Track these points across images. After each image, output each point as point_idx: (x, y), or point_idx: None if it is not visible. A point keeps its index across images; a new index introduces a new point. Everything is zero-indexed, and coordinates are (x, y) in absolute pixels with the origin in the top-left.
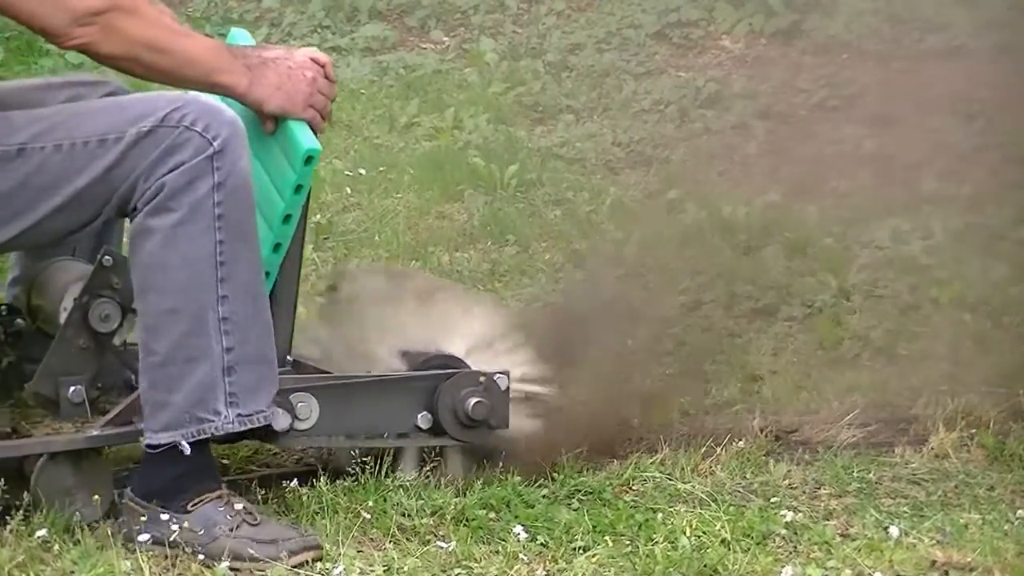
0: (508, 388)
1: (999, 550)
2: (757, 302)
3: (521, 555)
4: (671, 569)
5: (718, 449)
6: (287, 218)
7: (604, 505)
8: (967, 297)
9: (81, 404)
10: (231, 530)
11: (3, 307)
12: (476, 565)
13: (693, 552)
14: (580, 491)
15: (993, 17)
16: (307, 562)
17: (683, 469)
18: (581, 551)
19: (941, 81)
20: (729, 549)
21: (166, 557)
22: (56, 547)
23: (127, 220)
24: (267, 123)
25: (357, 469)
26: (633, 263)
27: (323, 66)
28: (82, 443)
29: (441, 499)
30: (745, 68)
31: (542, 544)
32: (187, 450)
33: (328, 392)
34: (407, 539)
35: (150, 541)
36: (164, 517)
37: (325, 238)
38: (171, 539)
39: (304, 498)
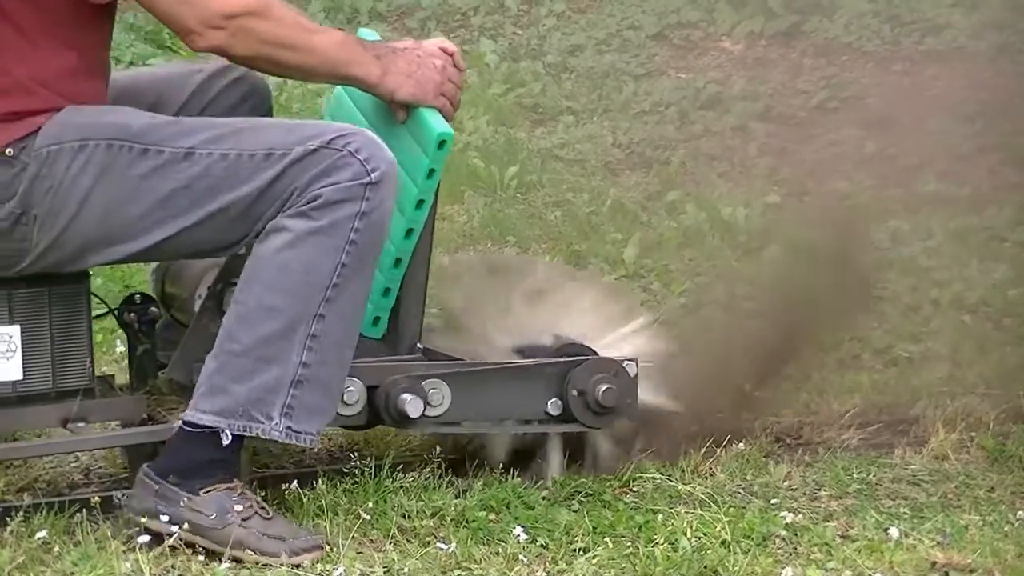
0: (637, 375)
1: (999, 552)
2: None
3: (521, 556)
4: (671, 570)
5: (718, 450)
6: (420, 203)
7: (604, 506)
8: (967, 298)
9: None
10: (243, 520)
11: (137, 295)
12: (476, 566)
13: (693, 553)
14: (580, 492)
15: (992, 18)
16: (310, 563)
17: (683, 470)
18: (581, 552)
19: (940, 83)
20: (729, 550)
21: (166, 557)
22: (56, 548)
23: None
24: (399, 112)
25: (356, 471)
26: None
27: (451, 55)
28: None
29: (441, 500)
30: (745, 70)
31: (542, 545)
32: (227, 440)
33: (460, 379)
34: (407, 540)
35: (164, 519)
36: (175, 494)
37: None
38: (180, 517)
39: (304, 499)
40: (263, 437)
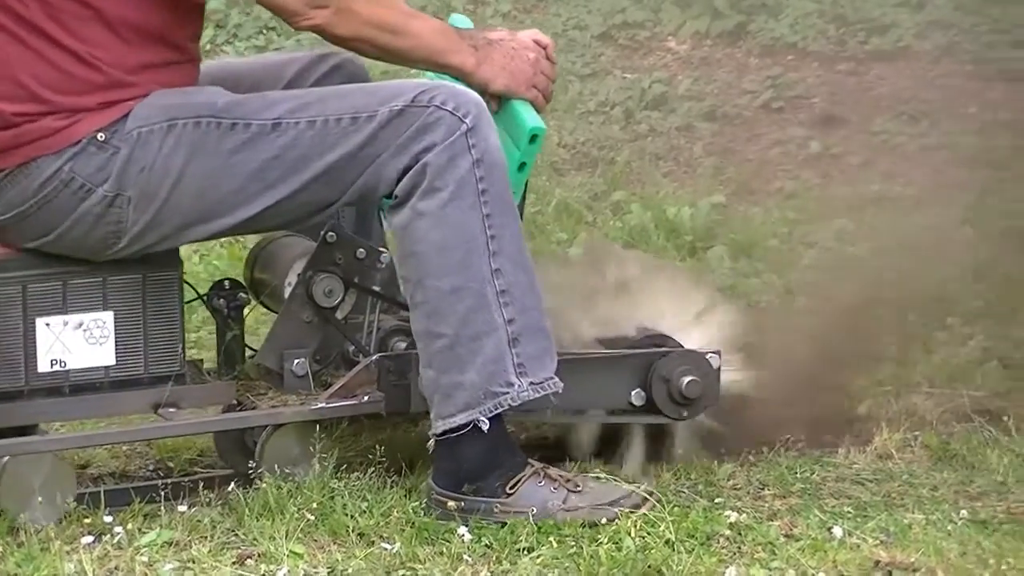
0: (720, 367)
1: (942, 550)
2: None
3: (466, 556)
4: (615, 570)
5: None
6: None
7: None
8: (911, 297)
9: (304, 377)
10: (564, 501)
11: (226, 281)
12: (420, 566)
13: (637, 553)
14: None
15: (937, 18)
16: (253, 563)
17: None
18: (526, 552)
19: (886, 82)
20: (673, 550)
21: (110, 558)
22: (0, 549)
23: (384, 216)
24: (492, 102)
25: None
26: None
27: (545, 48)
28: (309, 415)
29: (386, 500)
30: (691, 69)
31: (486, 545)
32: (487, 425)
33: None
34: (352, 540)
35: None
36: (485, 504)
37: None
38: (498, 523)
39: (249, 500)
40: (516, 405)
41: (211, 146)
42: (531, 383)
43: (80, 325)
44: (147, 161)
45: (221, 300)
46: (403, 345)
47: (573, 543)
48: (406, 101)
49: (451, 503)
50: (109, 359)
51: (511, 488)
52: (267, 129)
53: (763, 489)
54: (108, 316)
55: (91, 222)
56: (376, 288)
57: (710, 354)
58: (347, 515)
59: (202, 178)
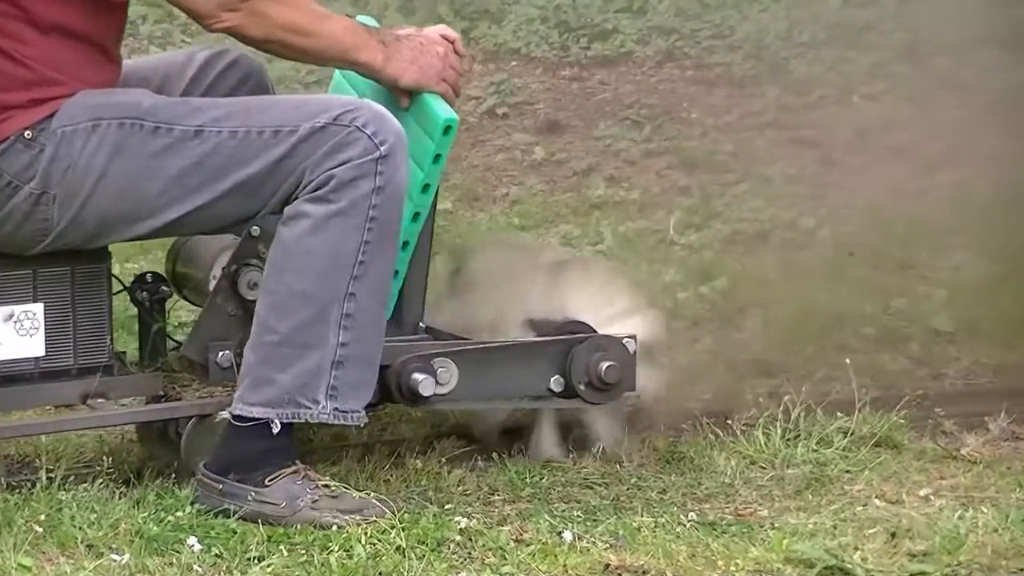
0: (636, 352)
1: (671, 552)
2: None
3: (196, 567)
4: None
5: (392, 456)
6: (426, 188)
7: None
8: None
9: (229, 368)
10: (313, 502)
11: (148, 275)
12: None
13: (368, 560)
14: None
15: (659, 23)
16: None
17: (358, 477)
18: (256, 561)
19: (609, 87)
20: (404, 556)
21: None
22: None
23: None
24: (402, 98)
25: (28, 483)
26: None
27: (452, 42)
28: None
29: (115, 512)
30: None
31: (216, 555)
32: (277, 428)
33: (466, 357)
34: (81, 552)
35: (236, 516)
36: (241, 490)
37: None
38: (251, 512)
39: None
40: (312, 421)
41: (134, 148)
42: (336, 409)
43: (11, 317)
44: (71, 160)
45: (144, 293)
46: None
47: (304, 551)
48: (329, 118)
49: (214, 484)
50: (39, 350)
51: (269, 481)
52: (189, 135)
53: (493, 494)
54: (38, 308)
55: (19, 219)
56: None
57: (627, 339)
58: (75, 527)
59: (123, 178)
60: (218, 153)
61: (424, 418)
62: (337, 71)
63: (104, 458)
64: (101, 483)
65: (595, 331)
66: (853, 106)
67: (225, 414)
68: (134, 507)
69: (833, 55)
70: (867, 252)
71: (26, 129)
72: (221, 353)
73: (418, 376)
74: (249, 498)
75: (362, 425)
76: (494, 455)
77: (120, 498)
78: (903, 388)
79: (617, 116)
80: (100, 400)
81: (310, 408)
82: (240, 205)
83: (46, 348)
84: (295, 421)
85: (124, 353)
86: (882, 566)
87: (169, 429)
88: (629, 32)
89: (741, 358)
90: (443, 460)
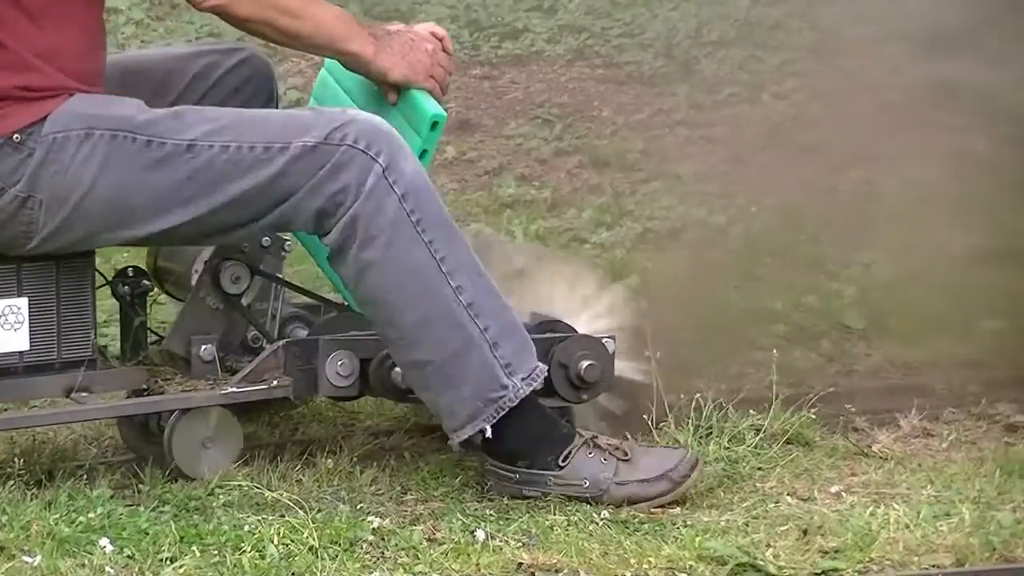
0: (615, 351)
1: (584, 551)
2: None
3: (108, 568)
4: None
5: (304, 456)
6: None
7: (191, 514)
8: None
9: (211, 362)
10: (614, 474)
11: (130, 269)
12: None
13: (281, 561)
14: (167, 501)
15: (569, 22)
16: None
17: (270, 477)
18: (168, 562)
19: (519, 86)
20: (317, 556)
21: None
22: None
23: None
24: (390, 93)
25: None
26: None
27: (441, 39)
28: (220, 400)
29: (26, 513)
30: None
31: (129, 556)
32: (488, 433)
33: None
34: None
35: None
36: (539, 476)
37: None
38: (552, 494)
39: None
40: (515, 403)
41: (125, 160)
42: (522, 378)
43: None
44: (60, 166)
45: (125, 287)
46: (302, 332)
47: (216, 552)
48: (318, 138)
49: (509, 475)
50: (23, 344)
51: (563, 461)
52: (181, 150)
53: (406, 494)
54: (23, 302)
55: (3, 220)
56: (280, 276)
57: (606, 338)
58: None
59: (113, 190)
60: (210, 168)
61: (335, 417)
62: (322, 69)
63: (15, 459)
64: (12, 484)
65: (575, 330)
66: (763, 104)
67: (455, 445)
68: (46, 508)
69: (743, 54)
70: (778, 249)
71: (15, 133)
72: (203, 347)
73: (399, 370)
74: (550, 483)
75: (546, 375)
76: (406, 454)
77: (31, 499)
78: (814, 385)
79: (528, 115)
80: (83, 394)
81: (504, 393)
82: (230, 219)
83: (30, 342)
84: (501, 415)
85: (106, 348)
86: (794, 563)
87: (151, 423)
88: (539, 31)
89: (652, 356)
90: (355, 459)
